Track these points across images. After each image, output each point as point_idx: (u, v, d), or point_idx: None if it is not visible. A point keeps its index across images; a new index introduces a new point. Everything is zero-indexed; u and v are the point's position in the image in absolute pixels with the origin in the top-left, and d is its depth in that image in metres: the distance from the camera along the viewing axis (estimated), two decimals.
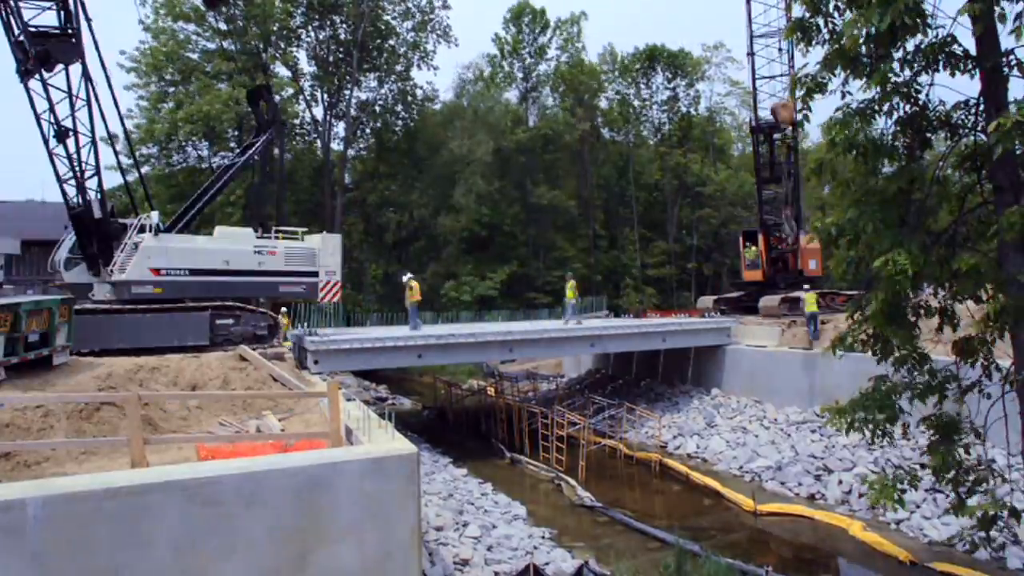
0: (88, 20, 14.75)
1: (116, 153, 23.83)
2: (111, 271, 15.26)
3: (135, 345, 14.03)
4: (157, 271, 15.29)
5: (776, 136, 25.01)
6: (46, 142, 14.41)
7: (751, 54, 24.13)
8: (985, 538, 6.45)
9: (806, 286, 21.42)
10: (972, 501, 6.56)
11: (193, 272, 15.77)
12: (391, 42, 41.24)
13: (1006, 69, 5.91)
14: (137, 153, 33.22)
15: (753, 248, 25.45)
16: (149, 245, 15.28)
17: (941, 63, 5.98)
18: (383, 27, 40.34)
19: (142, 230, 15.53)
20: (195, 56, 35.60)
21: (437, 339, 17.33)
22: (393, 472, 6.43)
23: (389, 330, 20.29)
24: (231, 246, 16.54)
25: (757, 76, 24.39)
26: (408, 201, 41.84)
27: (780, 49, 23.88)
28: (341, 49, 39.29)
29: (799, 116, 6.64)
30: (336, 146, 41.63)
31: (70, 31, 14.30)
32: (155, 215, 16.01)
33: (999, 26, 5.72)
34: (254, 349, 14.94)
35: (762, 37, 23.97)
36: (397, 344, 16.64)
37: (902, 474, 6.56)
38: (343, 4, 38.15)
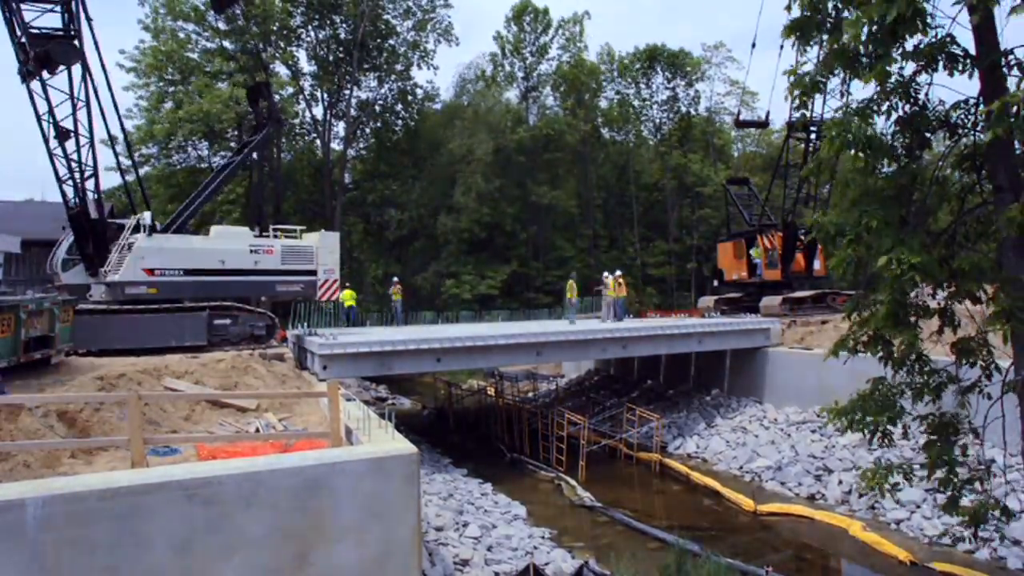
0: (89, 21, 14.75)
1: (116, 154, 23.94)
2: (105, 272, 15.25)
3: (133, 345, 14.08)
4: (151, 271, 15.27)
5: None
6: (47, 142, 14.43)
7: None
8: (973, 533, 6.44)
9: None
10: (965, 501, 6.56)
11: (188, 272, 15.72)
12: (391, 41, 41.22)
13: (1005, 68, 5.91)
14: (137, 153, 33.35)
15: (756, 249, 25.48)
16: (142, 246, 15.25)
17: (940, 63, 5.97)
18: (383, 26, 40.31)
19: (136, 230, 15.49)
20: (195, 55, 35.60)
21: (461, 342, 16.09)
22: (393, 472, 6.43)
23: (395, 331, 19.37)
24: (227, 245, 16.44)
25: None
26: (408, 200, 41.80)
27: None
28: (341, 48, 39.27)
29: (797, 115, 6.64)
30: (336, 146, 41.68)
31: (72, 33, 14.29)
32: (148, 215, 15.97)
33: (997, 23, 5.71)
34: (252, 349, 14.91)
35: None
36: (409, 348, 15.27)
37: (894, 467, 6.55)
38: (343, 3, 38.11)
